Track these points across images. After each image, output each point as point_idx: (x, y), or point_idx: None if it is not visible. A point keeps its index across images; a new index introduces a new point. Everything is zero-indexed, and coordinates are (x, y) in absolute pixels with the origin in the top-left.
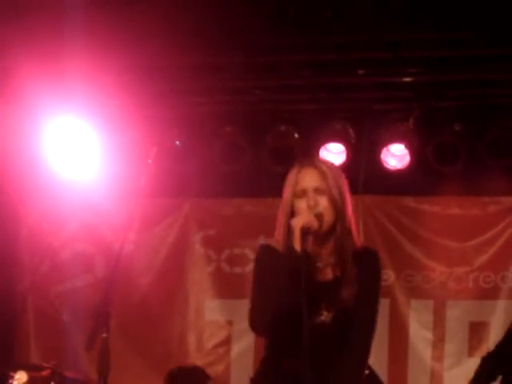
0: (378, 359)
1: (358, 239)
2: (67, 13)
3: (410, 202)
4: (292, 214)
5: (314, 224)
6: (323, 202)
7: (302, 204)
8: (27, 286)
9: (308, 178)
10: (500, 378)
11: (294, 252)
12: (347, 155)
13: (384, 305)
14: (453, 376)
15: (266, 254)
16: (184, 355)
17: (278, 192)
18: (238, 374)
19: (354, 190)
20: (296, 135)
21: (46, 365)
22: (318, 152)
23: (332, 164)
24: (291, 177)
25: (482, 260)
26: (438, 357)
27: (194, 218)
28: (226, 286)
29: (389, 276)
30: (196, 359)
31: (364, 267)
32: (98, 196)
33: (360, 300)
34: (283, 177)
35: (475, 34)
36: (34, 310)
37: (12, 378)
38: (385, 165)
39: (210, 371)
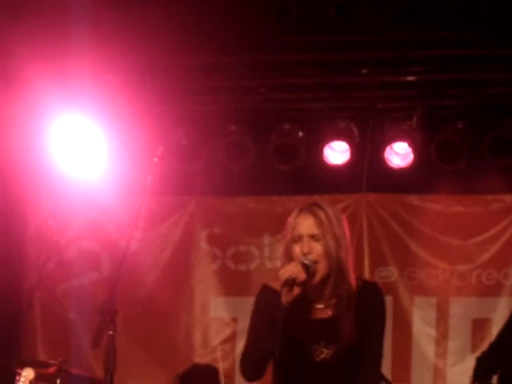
0: None
1: (355, 280)
2: (73, 12)
3: (413, 199)
4: (290, 257)
5: (300, 276)
6: (317, 249)
7: (297, 249)
8: (34, 283)
9: (305, 225)
10: (497, 374)
11: (280, 303)
12: (351, 153)
13: (388, 302)
14: (456, 372)
15: (263, 297)
16: (189, 352)
17: (282, 190)
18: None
19: (357, 188)
20: (300, 133)
21: (52, 362)
22: (322, 150)
23: (331, 209)
24: (290, 221)
25: (485, 257)
26: (442, 353)
27: (199, 216)
28: (231, 283)
29: (392, 273)
30: (201, 356)
31: (365, 304)
32: (104, 194)
33: (365, 335)
34: (287, 175)
35: (479, 34)
36: (41, 307)
37: (19, 374)
38: (388, 163)
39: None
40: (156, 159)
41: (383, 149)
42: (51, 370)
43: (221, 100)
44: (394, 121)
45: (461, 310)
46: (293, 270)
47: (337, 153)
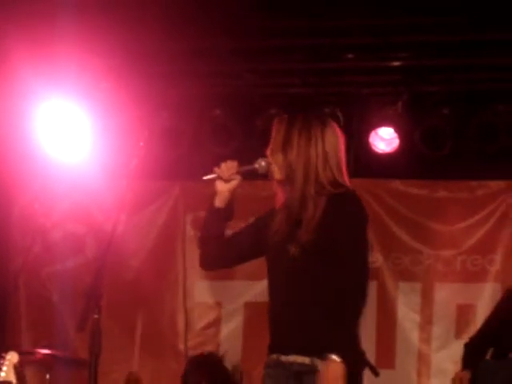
0: (365, 341)
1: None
2: None
3: (398, 185)
4: None
5: (223, 174)
6: (271, 150)
7: None
8: (19, 266)
9: (273, 131)
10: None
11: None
12: None
13: (372, 287)
14: (440, 358)
15: None
16: (174, 336)
17: (267, 175)
18: (227, 355)
19: None
20: None
21: (38, 351)
22: None
23: (306, 120)
24: None
25: (470, 243)
26: (426, 339)
27: (184, 200)
28: None
29: (377, 259)
30: (186, 340)
31: (338, 212)
32: (89, 177)
33: (338, 245)
34: None
35: (465, 19)
36: (26, 290)
37: (3, 358)
38: (373, 148)
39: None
40: (142, 143)
41: (368, 134)
42: (36, 354)
43: (206, 84)
44: (380, 106)
45: (445, 295)
46: (222, 168)
47: None
